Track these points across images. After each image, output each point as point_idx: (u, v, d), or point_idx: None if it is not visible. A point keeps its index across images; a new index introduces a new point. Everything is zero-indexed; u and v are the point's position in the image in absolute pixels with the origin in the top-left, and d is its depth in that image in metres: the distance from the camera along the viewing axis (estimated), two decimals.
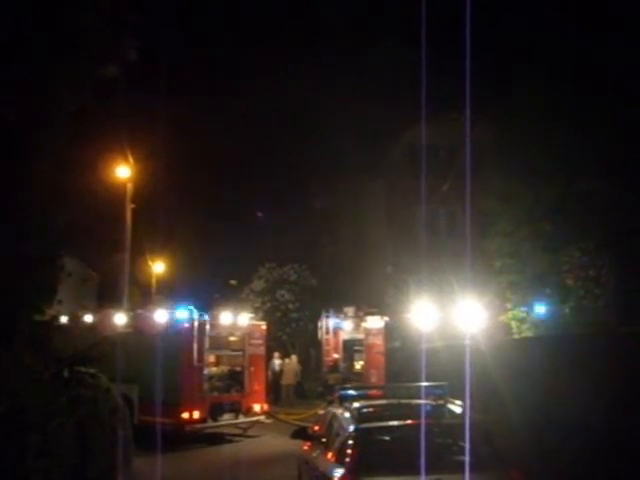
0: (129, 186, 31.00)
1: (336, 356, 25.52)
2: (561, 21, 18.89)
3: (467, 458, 8.42)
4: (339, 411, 10.60)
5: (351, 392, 11.54)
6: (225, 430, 21.35)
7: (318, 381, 29.64)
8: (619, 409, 11.56)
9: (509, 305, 20.84)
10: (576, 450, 11.90)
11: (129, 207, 30.83)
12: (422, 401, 10.39)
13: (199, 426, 19.99)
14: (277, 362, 30.99)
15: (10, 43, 8.74)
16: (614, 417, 11.57)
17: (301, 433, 12.03)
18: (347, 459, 8.95)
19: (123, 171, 30.74)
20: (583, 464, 11.67)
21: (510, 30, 22.02)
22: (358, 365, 24.87)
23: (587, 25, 18.35)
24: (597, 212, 19.01)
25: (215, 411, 20.37)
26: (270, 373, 28.93)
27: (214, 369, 21.39)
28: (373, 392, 12.09)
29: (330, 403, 12.08)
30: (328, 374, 25.22)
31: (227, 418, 20.85)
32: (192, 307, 20.51)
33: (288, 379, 30.35)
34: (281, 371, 30.61)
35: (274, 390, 28.99)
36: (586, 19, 18.39)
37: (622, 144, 18.27)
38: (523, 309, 20.63)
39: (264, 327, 23.04)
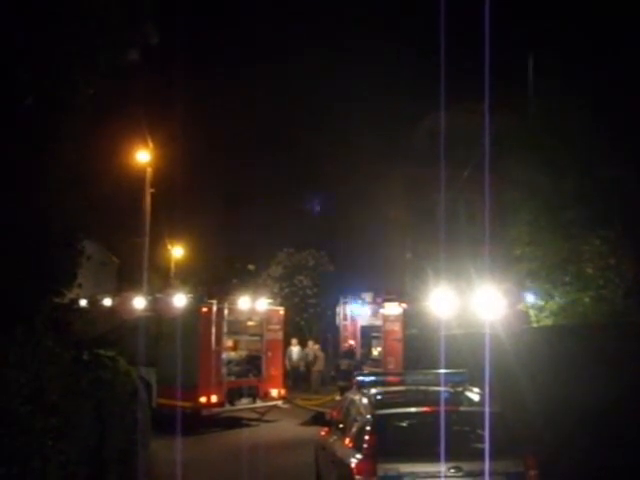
0: (148, 170, 31.11)
1: (352, 342, 25.48)
2: (579, 8, 18.67)
3: (487, 446, 8.41)
4: (357, 397, 10.60)
5: (368, 378, 11.52)
6: (242, 414, 21.46)
7: (331, 366, 29.65)
8: (637, 397, 11.50)
9: (528, 293, 20.66)
10: (593, 438, 11.85)
11: (148, 191, 30.93)
12: (440, 388, 10.37)
13: (216, 410, 20.10)
14: (295, 349, 30.74)
15: (27, 25, 8.70)
16: (632, 405, 11.51)
17: (319, 419, 12.06)
18: (364, 445, 8.96)
19: (143, 155, 30.84)
20: (600, 452, 11.63)
21: (529, 17, 21.83)
22: (376, 351, 24.82)
23: (608, 12, 18.12)
24: (617, 199, 18.78)
25: (232, 395, 20.46)
26: (287, 360, 28.88)
27: (232, 354, 21.48)
28: (391, 379, 12.03)
29: (342, 390, 12.06)
30: (341, 359, 25.21)
31: (244, 402, 20.95)
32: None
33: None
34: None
35: (292, 376, 29.00)
36: (606, 7, 18.16)
37: None
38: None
39: (282, 312, 23.07)
